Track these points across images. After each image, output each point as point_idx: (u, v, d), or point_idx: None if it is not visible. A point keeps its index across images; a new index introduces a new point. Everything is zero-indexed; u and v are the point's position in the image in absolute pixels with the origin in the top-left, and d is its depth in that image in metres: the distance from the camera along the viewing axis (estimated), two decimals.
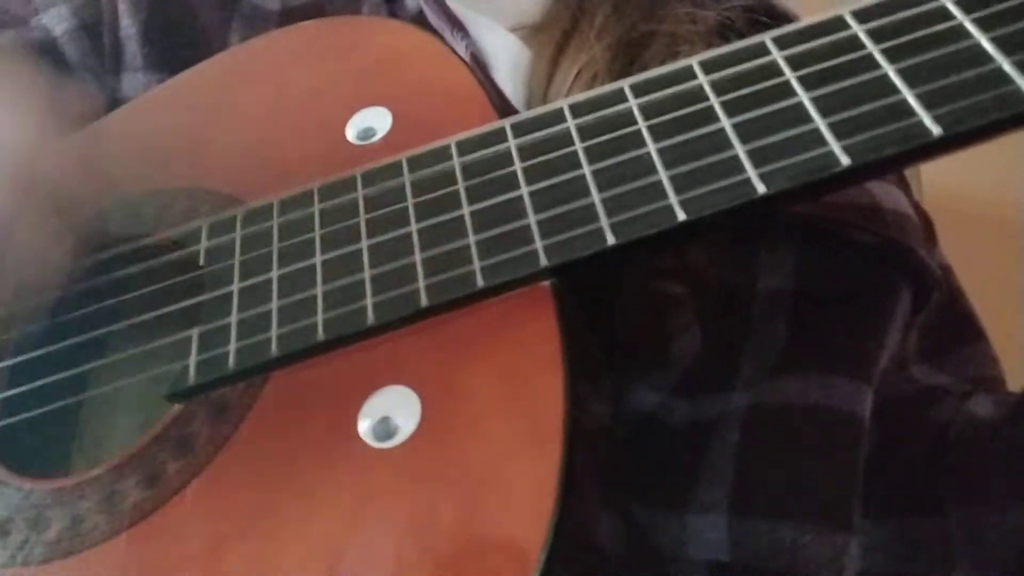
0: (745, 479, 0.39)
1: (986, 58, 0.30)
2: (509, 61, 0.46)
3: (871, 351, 0.42)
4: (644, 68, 0.42)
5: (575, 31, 0.45)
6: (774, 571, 0.38)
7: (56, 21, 0.50)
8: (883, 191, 0.45)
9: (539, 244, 0.32)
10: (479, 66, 0.46)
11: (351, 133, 0.39)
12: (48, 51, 0.49)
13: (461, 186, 0.34)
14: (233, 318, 0.34)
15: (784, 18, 0.46)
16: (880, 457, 0.41)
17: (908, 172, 0.50)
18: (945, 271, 0.47)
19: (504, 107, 0.38)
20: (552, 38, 0.45)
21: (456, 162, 0.35)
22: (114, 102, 0.48)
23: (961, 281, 0.49)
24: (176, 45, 0.49)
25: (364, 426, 0.31)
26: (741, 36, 0.43)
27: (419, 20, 0.48)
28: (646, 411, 0.40)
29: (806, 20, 0.34)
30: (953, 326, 0.48)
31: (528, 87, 0.44)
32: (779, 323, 0.42)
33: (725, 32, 0.44)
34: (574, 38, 0.44)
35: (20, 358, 0.38)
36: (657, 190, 0.31)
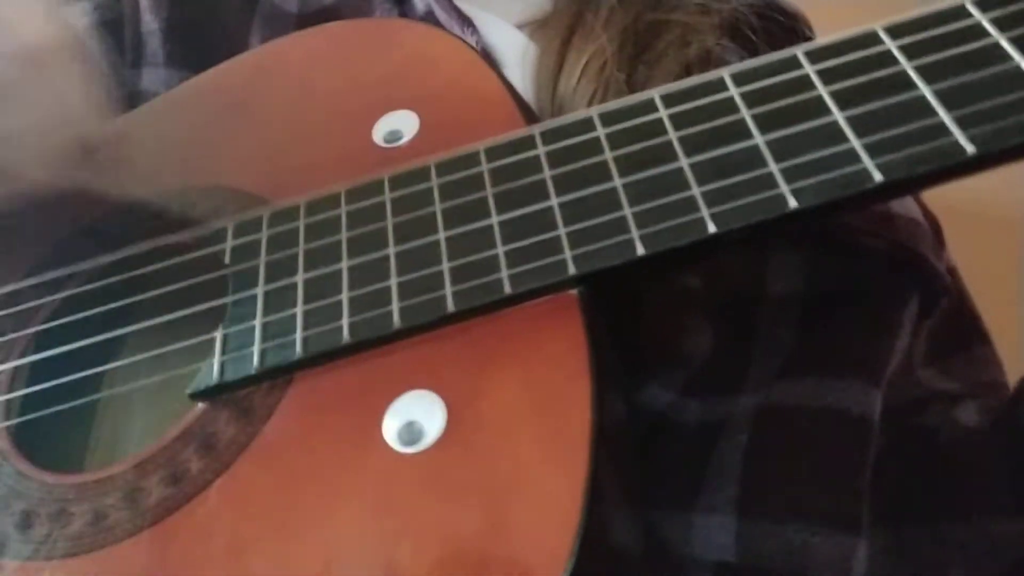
0: (753, 480, 0.39)
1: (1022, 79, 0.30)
2: (516, 56, 0.46)
3: (881, 354, 0.42)
4: (656, 57, 0.43)
5: (579, 24, 0.45)
6: (781, 573, 0.38)
7: (77, 16, 0.50)
8: None
9: (568, 254, 0.32)
10: (488, 61, 0.46)
11: (378, 135, 0.39)
12: None
13: (490, 193, 0.34)
14: (258, 320, 0.34)
15: (791, 16, 0.47)
16: (878, 464, 0.41)
17: None
18: (952, 273, 0.47)
19: (530, 113, 0.38)
20: (558, 32, 0.45)
21: (485, 168, 0.35)
22: (133, 96, 0.48)
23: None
24: (198, 43, 0.49)
25: (389, 430, 0.31)
26: (752, 31, 0.44)
27: (429, 20, 0.48)
28: (657, 410, 0.40)
29: (838, 34, 0.34)
30: (960, 330, 0.48)
31: (536, 80, 0.45)
32: (789, 326, 0.42)
33: (737, 26, 0.44)
34: (579, 30, 0.45)
35: (43, 354, 0.38)
36: (689, 203, 0.31)
